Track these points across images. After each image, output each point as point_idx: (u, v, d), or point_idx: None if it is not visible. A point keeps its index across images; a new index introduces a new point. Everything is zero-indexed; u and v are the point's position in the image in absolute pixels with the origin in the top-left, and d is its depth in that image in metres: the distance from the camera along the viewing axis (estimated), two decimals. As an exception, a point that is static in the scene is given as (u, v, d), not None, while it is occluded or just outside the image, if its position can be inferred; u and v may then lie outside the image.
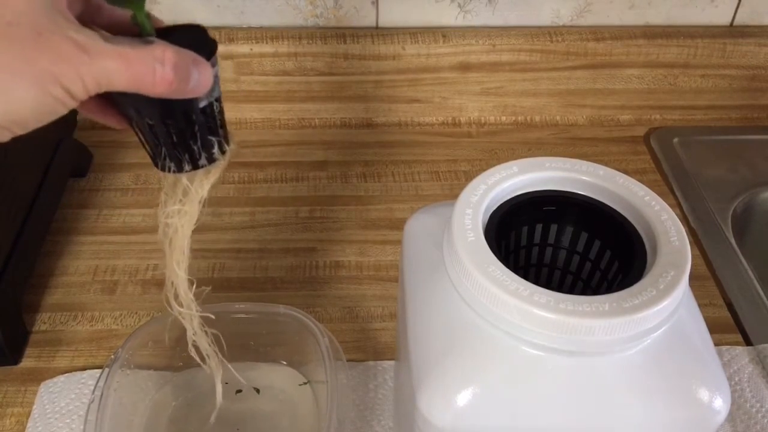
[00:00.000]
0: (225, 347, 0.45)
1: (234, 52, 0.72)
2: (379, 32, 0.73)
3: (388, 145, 0.75)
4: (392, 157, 0.73)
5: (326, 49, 0.73)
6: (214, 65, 0.34)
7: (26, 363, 0.54)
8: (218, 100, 0.36)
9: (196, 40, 0.34)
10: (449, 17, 0.75)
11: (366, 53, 0.73)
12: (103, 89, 0.30)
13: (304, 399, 0.51)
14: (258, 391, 0.51)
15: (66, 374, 0.52)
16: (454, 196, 0.36)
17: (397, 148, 0.75)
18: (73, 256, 0.62)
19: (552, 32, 0.74)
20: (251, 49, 0.72)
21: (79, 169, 0.69)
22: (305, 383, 0.51)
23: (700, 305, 0.36)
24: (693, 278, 0.33)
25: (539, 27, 0.75)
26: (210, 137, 0.36)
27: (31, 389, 0.52)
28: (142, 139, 0.36)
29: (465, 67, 0.75)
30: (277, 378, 0.52)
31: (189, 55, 0.32)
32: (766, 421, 0.50)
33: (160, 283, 0.59)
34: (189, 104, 0.34)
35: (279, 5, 0.73)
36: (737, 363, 0.54)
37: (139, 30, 0.33)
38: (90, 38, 0.29)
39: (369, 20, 0.75)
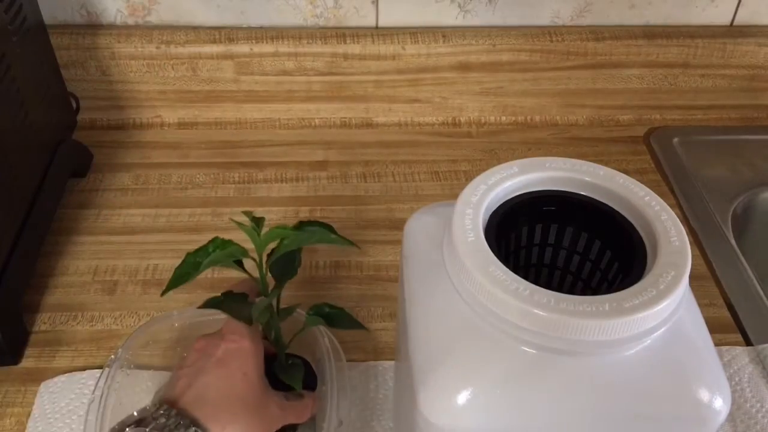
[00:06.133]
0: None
1: (234, 52, 0.72)
2: (379, 32, 0.73)
3: (388, 145, 0.75)
4: (392, 157, 0.74)
5: (326, 49, 0.73)
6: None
7: (26, 363, 0.54)
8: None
9: (308, 372, 0.47)
10: (449, 17, 0.75)
11: (366, 53, 0.73)
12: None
13: (304, 399, 0.50)
14: None
15: (66, 374, 0.52)
16: (454, 196, 0.36)
17: (397, 148, 0.75)
18: (73, 256, 0.62)
19: (552, 32, 0.74)
20: (251, 49, 0.72)
21: (79, 169, 0.69)
22: (305, 383, 0.51)
23: (700, 305, 0.36)
24: (693, 278, 0.33)
25: (539, 27, 0.75)
26: None
27: (31, 389, 0.52)
28: None
29: (465, 67, 0.75)
30: (277, 378, 0.52)
31: (315, 397, 0.46)
32: (766, 421, 0.50)
33: (160, 283, 0.59)
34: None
35: (279, 5, 0.73)
36: (737, 363, 0.54)
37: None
38: (281, 399, 0.43)
39: (369, 20, 0.75)
